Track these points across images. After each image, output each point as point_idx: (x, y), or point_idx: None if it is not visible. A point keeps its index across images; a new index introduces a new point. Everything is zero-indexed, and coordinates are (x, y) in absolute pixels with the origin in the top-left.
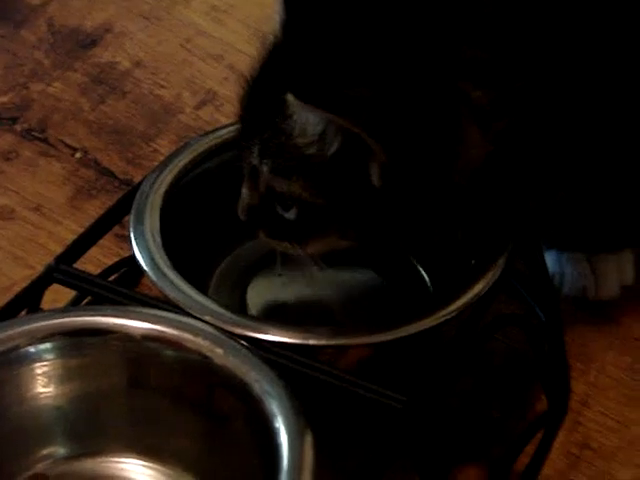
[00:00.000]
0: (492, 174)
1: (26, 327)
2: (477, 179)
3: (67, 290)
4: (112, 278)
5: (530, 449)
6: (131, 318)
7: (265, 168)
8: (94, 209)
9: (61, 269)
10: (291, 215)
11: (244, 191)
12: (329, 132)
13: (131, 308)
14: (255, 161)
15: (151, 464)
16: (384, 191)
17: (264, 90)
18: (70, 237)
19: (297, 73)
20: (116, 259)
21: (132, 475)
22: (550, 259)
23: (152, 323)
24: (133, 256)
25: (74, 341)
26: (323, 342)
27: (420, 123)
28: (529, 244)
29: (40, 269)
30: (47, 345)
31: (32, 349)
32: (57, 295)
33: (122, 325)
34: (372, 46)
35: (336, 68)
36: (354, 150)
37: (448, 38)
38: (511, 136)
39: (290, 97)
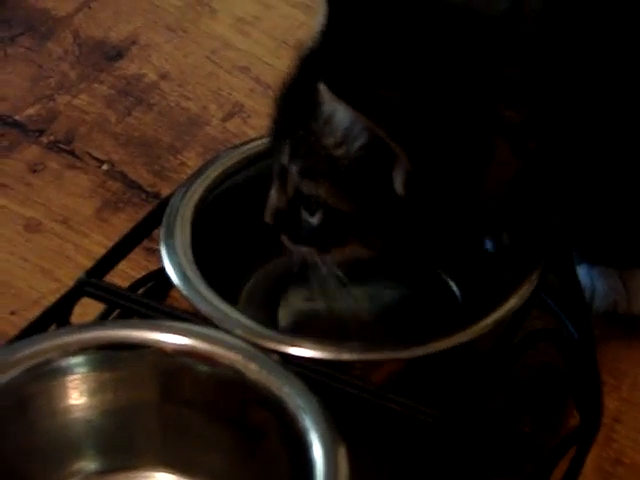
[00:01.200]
0: (522, 190)
1: (58, 341)
2: (507, 195)
3: (95, 303)
4: (140, 292)
5: (563, 465)
6: (164, 332)
7: (294, 169)
8: (121, 222)
9: (91, 283)
10: (315, 220)
11: (272, 193)
12: (354, 131)
13: (163, 322)
14: (285, 161)
15: (182, 478)
16: (408, 200)
17: (298, 92)
18: (97, 250)
19: (333, 66)
20: (144, 272)
21: None
22: (581, 273)
23: (184, 337)
24: (164, 270)
25: (106, 355)
26: (355, 357)
27: (449, 135)
28: (561, 258)
29: (67, 282)
30: (79, 359)
31: (64, 363)
32: (86, 308)
33: (155, 339)
34: (410, 53)
35: (372, 67)
36: (378, 154)
37: (485, 56)
38: (542, 155)
39: (322, 87)
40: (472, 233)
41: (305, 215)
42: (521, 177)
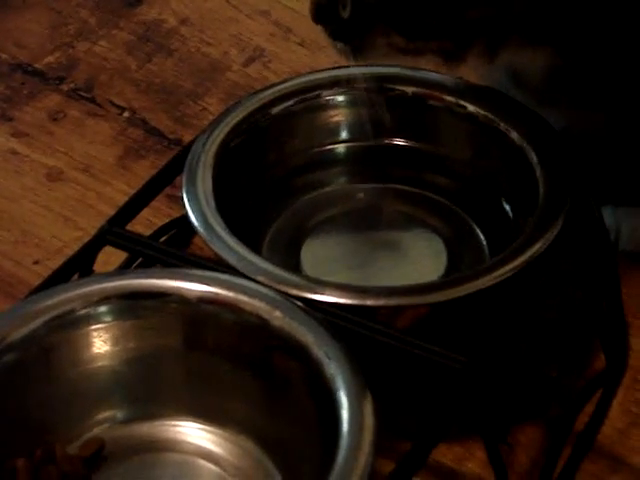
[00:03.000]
0: None
1: (81, 290)
2: None
3: (118, 252)
4: (162, 239)
5: (589, 408)
6: (186, 280)
7: None
8: (143, 169)
9: (114, 231)
10: (345, 13)
11: None
12: None
13: (186, 270)
14: None
15: (208, 427)
16: None
17: None
18: (119, 198)
19: None
20: (166, 220)
21: (189, 438)
22: (605, 215)
23: (208, 285)
24: (186, 217)
25: (129, 304)
26: (380, 302)
27: None
28: (585, 200)
29: (90, 231)
30: (103, 308)
31: (87, 312)
32: (108, 257)
33: (178, 287)
34: None
35: None
36: None
37: None
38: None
39: None
40: None
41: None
42: None
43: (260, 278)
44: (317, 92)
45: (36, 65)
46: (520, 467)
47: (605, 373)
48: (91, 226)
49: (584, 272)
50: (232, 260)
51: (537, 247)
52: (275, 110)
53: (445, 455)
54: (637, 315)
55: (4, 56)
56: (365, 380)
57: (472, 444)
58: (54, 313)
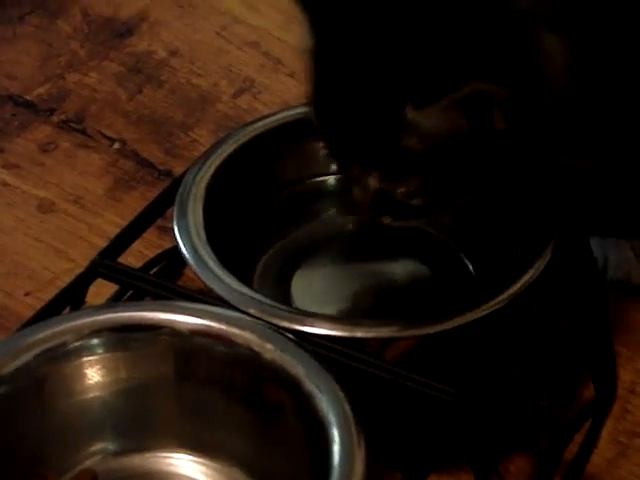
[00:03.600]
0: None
1: (73, 323)
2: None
3: (109, 284)
4: (153, 271)
5: (578, 438)
6: (178, 313)
7: (373, 180)
8: (134, 200)
9: (105, 264)
10: (417, 202)
11: (355, 190)
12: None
13: (178, 303)
14: (359, 175)
15: (200, 459)
16: (508, 132)
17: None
18: (110, 229)
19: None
20: (157, 251)
21: (181, 470)
22: (593, 246)
23: (199, 318)
24: (177, 249)
25: (121, 336)
26: (371, 335)
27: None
28: (574, 231)
29: (81, 262)
30: (94, 341)
31: (79, 345)
32: (100, 288)
33: (170, 320)
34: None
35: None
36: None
37: None
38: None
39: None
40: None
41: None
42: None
43: (251, 310)
44: (307, 125)
45: (27, 96)
46: None
47: (594, 403)
48: (82, 258)
49: (573, 302)
50: (223, 292)
51: (526, 278)
52: (265, 143)
53: None
54: (626, 345)
55: None
56: (356, 412)
57: (462, 475)
58: (46, 346)
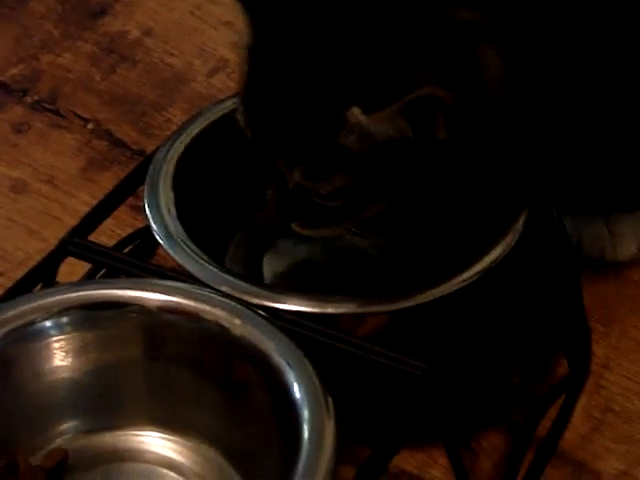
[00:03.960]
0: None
1: (42, 301)
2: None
3: (82, 263)
4: (126, 250)
5: (552, 414)
6: (147, 290)
7: (297, 175)
8: (107, 180)
9: (76, 242)
10: (336, 204)
11: (270, 191)
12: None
13: (147, 280)
14: (282, 170)
15: (170, 436)
16: (448, 141)
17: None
18: (83, 209)
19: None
20: (130, 230)
21: (151, 448)
22: (567, 222)
23: (169, 295)
24: (148, 227)
25: (90, 314)
26: (341, 310)
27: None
28: (546, 206)
29: (54, 242)
30: (63, 319)
31: (48, 323)
32: (72, 268)
33: (138, 297)
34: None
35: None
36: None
37: None
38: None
39: (355, 111)
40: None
41: (321, 202)
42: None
43: (222, 287)
44: None
45: (0, 77)
46: (483, 473)
47: (568, 379)
48: (55, 238)
49: (546, 279)
50: (193, 270)
51: (496, 253)
52: (236, 121)
53: (408, 462)
54: (599, 321)
55: None
56: (326, 387)
57: (435, 450)
58: (14, 324)
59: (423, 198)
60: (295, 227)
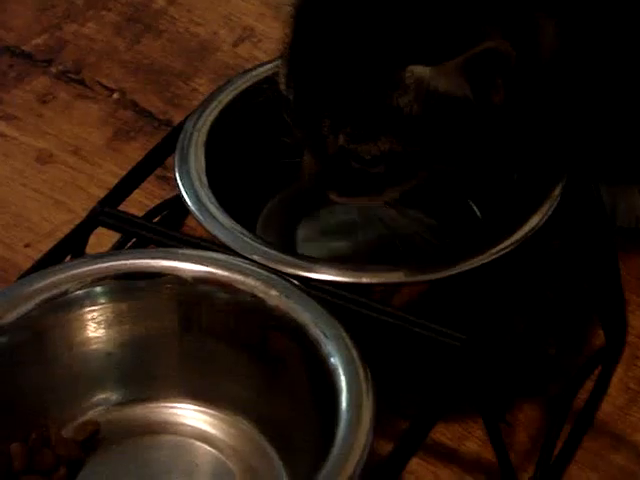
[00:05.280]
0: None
1: (74, 272)
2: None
3: (110, 234)
4: (155, 220)
5: (588, 385)
6: (180, 260)
7: (342, 138)
8: (133, 150)
9: (106, 212)
10: (379, 169)
11: (307, 158)
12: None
13: (180, 250)
14: (326, 133)
15: (204, 408)
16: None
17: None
18: (110, 180)
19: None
20: (158, 201)
21: (185, 420)
22: (602, 192)
23: (203, 265)
24: (178, 198)
25: (124, 285)
26: (376, 280)
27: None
28: (582, 176)
29: (81, 213)
30: (97, 289)
31: (81, 294)
32: (100, 239)
33: (173, 268)
34: None
35: None
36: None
37: None
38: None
39: (415, 68)
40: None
41: (362, 167)
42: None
43: (255, 257)
44: None
45: (24, 47)
46: (520, 446)
47: (604, 350)
48: (82, 208)
49: (582, 249)
50: (226, 239)
51: (533, 223)
52: (265, 89)
53: (444, 434)
54: (635, 292)
55: None
56: (363, 359)
57: (471, 423)
58: (47, 295)
59: (466, 166)
60: (332, 195)
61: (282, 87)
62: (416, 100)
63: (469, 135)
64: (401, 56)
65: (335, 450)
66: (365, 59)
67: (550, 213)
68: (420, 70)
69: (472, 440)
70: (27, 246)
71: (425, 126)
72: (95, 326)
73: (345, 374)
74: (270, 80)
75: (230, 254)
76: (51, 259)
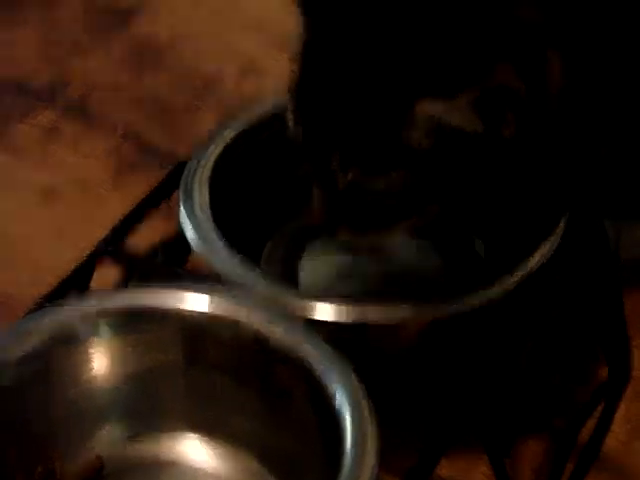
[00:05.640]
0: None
1: (80, 307)
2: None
3: (114, 270)
4: (159, 256)
5: (592, 421)
6: (185, 297)
7: (352, 174)
8: (138, 185)
9: (110, 248)
10: (390, 204)
11: (316, 193)
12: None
13: (184, 285)
14: (335, 168)
15: (210, 442)
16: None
17: (326, 98)
18: (115, 214)
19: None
20: (162, 236)
21: (191, 454)
22: (606, 226)
23: (207, 301)
24: (183, 233)
25: (128, 321)
26: (381, 318)
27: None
28: (587, 211)
29: (85, 247)
30: (102, 325)
31: (86, 329)
32: (105, 275)
33: (177, 303)
34: None
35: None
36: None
37: None
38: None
39: (426, 103)
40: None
41: (371, 202)
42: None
43: (259, 293)
44: None
45: (29, 82)
46: None
47: (608, 385)
48: (86, 243)
49: (587, 283)
50: (231, 275)
51: (538, 258)
52: (270, 124)
53: (449, 470)
54: (638, 327)
55: None
56: (367, 394)
57: (476, 458)
58: (53, 331)
59: (473, 200)
60: (342, 230)
61: (290, 123)
62: (427, 135)
63: (478, 169)
64: (411, 91)
65: None
66: (374, 94)
67: (554, 248)
68: (431, 105)
69: (477, 475)
70: (32, 282)
71: (435, 160)
72: (100, 362)
73: (350, 410)
74: (275, 117)
75: (235, 289)
76: (56, 295)
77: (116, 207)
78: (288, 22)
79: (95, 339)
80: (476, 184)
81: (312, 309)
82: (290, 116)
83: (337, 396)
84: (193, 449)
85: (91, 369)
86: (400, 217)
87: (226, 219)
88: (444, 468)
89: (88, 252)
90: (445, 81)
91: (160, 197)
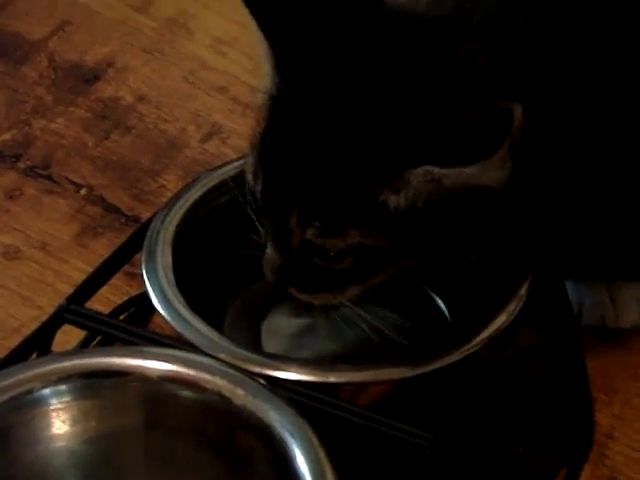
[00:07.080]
0: (512, 199)
1: (39, 370)
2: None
3: (77, 330)
4: (122, 317)
5: None
6: (147, 359)
7: (310, 232)
8: (101, 247)
9: (72, 309)
10: (344, 266)
11: (270, 252)
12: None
13: (146, 348)
14: (292, 227)
15: None
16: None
17: (286, 157)
18: (77, 276)
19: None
20: (125, 297)
21: None
22: (568, 289)
23: (169, 364)
24: (146, 294)
25: (89, 383)
26: (343, 379)
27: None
28: (549, 274)
29: (48, 309)
30: (62, 387)
31: (46, 392)
32: (67, 336)
33: (138, 366)
34: None
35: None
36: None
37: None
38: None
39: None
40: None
41: (326, 263)
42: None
43: (222, 356)
44: None
45: None
46: None
47: (571, 449)
48: (49, 305)
49: (548, 347)
50: (193, 337)
51: (502, 319)
52: (233, 187)
53: None
54: (602, 389)
55: None
56: (330, 459)
57: None
58: (12, 393)
59: (435, 262)
60: (293, 290)
61: (249, 177)
62: (413, 197)
63: (444, 232)
64: (375, 149)
65: None
66: (338, 151)
67: (517, 312)
68: (432, 171)
69: None
70: None
71: (409, 221)
72: (60, 424)
73: (311, 475)
74: (236, 178)
75: (197, 352)
76: (17, 356)
77: (79, 269)
78: (253, 86)
79: (54, 402)
80: (442, 242)
81: (275, 369)
82: (250, 168)
83: (299, 461)
84: None
85: (50, 433)
86: (353, 279)
87: (189, 281)
88: None
89: (50, 313)
90: (409, 142)
91: (123, 258)
